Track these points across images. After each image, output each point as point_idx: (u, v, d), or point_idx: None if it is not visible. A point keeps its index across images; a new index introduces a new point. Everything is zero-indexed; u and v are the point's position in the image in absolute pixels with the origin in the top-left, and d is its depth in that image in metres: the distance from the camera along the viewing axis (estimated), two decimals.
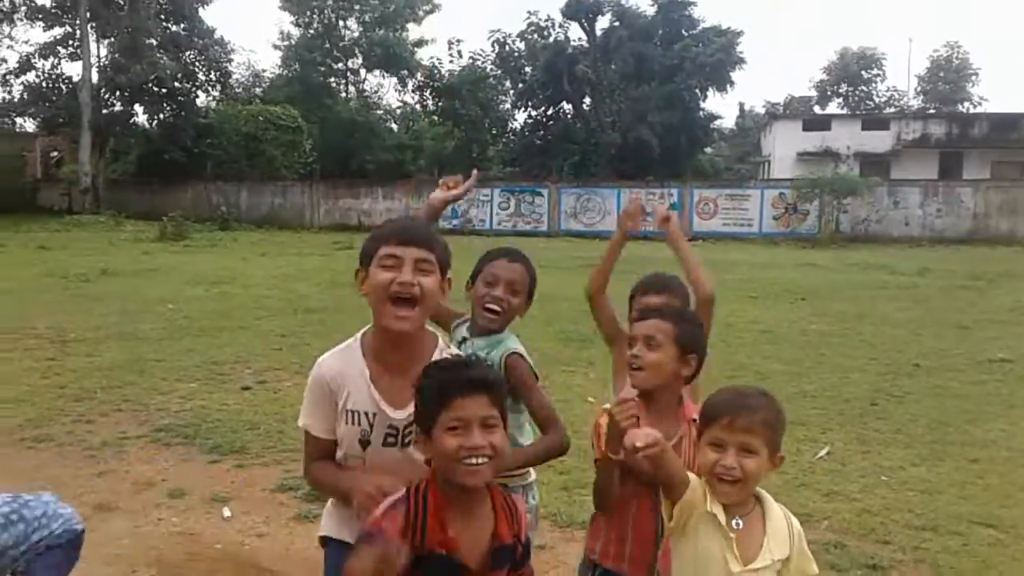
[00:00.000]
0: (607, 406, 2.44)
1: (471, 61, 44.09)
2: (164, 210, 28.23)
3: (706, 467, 2.01)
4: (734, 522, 2.00)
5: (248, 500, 4.86)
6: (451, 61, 43.54)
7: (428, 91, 45.14)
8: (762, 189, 31.37)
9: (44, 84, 38.12)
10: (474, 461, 1.82)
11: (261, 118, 35.81)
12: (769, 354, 9.16)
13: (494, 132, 46.49)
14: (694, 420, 2.29)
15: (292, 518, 4.59)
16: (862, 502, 4.87)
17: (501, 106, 46.03)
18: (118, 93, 37.34)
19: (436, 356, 2.20)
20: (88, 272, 15.56)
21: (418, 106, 47.95)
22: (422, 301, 2.13)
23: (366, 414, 2.16)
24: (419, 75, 45.83)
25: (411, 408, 2.07)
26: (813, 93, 56.69)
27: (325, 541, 2.38)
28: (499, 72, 44.52)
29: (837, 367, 8.55)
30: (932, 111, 48.18)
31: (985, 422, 6.55)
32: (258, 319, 10.96)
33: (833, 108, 53.94)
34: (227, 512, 4.66)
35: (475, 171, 2.76)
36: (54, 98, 37.79)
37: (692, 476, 2.08)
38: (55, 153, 41.87)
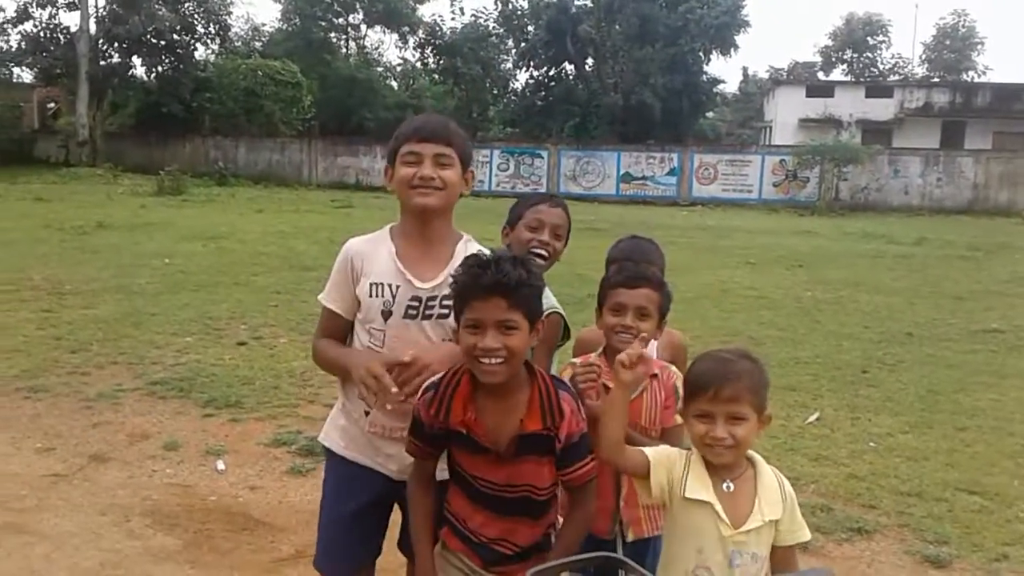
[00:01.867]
0: (574, 361, 2.48)
1: (473, 19, 43.75)
2: (162, 164, 28.07)
3: (696, 438, 2.01)
4: (724, 485, 1.99)
5: (242, 454, 4.90)
6: (453, 18, 43.43)
7: (429, 48, 44.77)
8: (763, 155, 31.21)
9: (41, 34, 37.61)
10: (488, 361, 1.93)
11: (260, 73, 35.47)
12: (764, 320, 9.19)
13: (495, 92, 46.18)
14: (654, 375, 2.34)
15: (285, 472, 4.64)
16: (849, 467, 4.92)
17: (503, 65, 45.68)
18: (116, 44, 36.87)
19: (461, 248, 2.33)
20: (85, 225, 15.52)
21: (419, 64, 47.55)
22: (444, 189, 2.26)
23: (390, 286, 2.26)
24: (420, 32, 45.37)
25: (436, 281, 2.25)
26: (818, 59, 56.38)
27: (324, 449, 2.49)
28: (501, 31, 44.11)
29: (831, 334, 8.59)
30: (936, 80, 47.92)
31: (975, 391, 6.60)
32: (255, 275, 10.97)
33: (837, 75, 53.60)
34: (221, 465, 4.70)
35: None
36: (51, 48, 37.31)
37: (651, 454, 2.07)
38: (52, 104, 41.45)
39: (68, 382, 6.09)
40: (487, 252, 2.26)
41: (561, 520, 2.17)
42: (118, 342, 7.22)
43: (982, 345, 8.26)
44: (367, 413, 2.32)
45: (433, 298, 2.26)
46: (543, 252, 2.65)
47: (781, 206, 29.06)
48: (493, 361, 1.92)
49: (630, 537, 2.41)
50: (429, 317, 2.26)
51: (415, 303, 2.26)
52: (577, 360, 2.48)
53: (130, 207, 20.18)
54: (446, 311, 2.22)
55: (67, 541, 3.74)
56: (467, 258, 2.09)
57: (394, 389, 2.09)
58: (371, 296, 2.27)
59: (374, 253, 2.32)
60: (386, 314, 2.26)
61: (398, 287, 2.26)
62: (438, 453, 2.14)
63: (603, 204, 28.09)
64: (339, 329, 2.37)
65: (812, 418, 5.80)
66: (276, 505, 4.26)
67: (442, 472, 2.20)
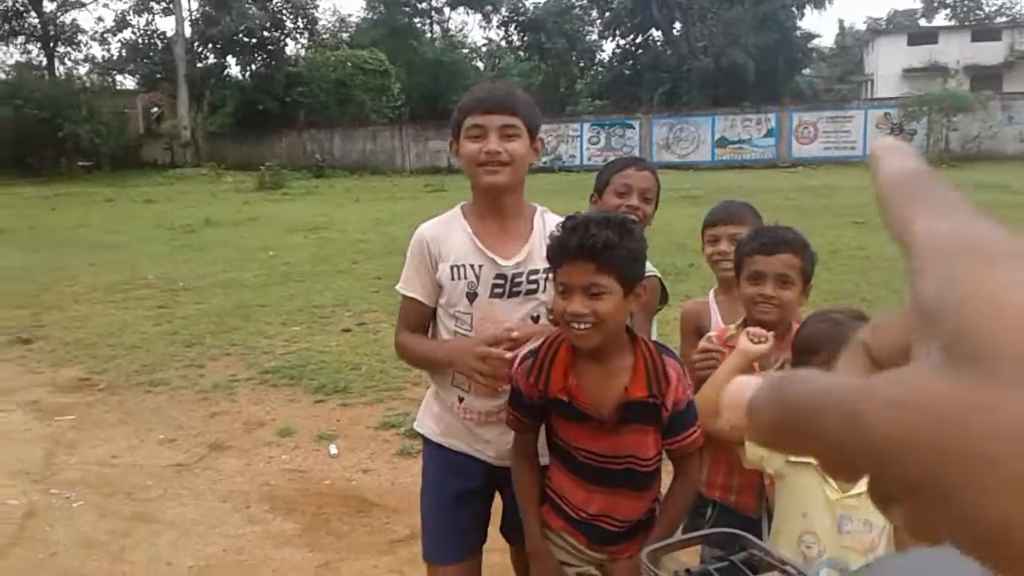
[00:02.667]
0: (711, 335, 2.38)
1: None
2: (261, 160, 28.88)
3: None
4: None
5: (353, 437, 4.97)
6: None
7: (513, 26, 44.66)
8: (865, 110, 29.97)
9: (140, 40, 39.20)
10: (576, 326, 1.86)
11: (349, 63, 36.06)
12: (875, 281, 8.81)
13: (581, 65, 45.78)
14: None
15: (395, 454, 4.68)
16: None
17: (588, 37, 45.21)
18: (210, 46, 38.11)
19: (538, 221, 2.27)
20: (192, 223, 16.07)
21: (503, 42, 47.51)
22: (512, 164, 2.17)
23: (472, 266, 2.19)
24: (503, 10, 45.26)
25: (519, 257, 2.19)
26: (918, 5, 53.79)
27: (422, 436, 2.45)
28: (585, 2, 43.58)
29: None
30: None
31: None
32: (355, 263, 11.14)
33: (940, 20, 51.05)
34: (334, 449, 4.77)
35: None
36: (150, 54, 38.85)
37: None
38: (155, 109, 43.11)
39: (185, 375, 6.30)
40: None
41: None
42: (230, 334, 7.44)
43: None
44: (461, 400, 2.26)
45: (519, 274, 2.19)
46: (633, 217, 2.51)
47: None
48: (581, 326, 1.85)
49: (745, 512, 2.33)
50: (517, 294, 2.19)
51: (500, 281, 2.18)
52: (713, 334, 2.39)
53: (234, 203, 20.81)
54: (534, 286, 2.18)
55: (191, 528, 3.86)
56: (564, 219, 2.01)
57: (508, 355, 2.04)
58: (453, 279, 2.20)
59: (449, 235, 2.24)
60: (471, 296, 2.19)
61: (481, 266, 2.18)
62: (539, 425, 2.08)
63: (699, 171, 27.50)
64: (422, 317, 2.30)
65: None
66: (389, 487, 4.29)
67: (543, 458, 2.16)
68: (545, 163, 30.88)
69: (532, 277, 2.18)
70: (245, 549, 3.66)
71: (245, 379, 6.16)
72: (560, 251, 1.88)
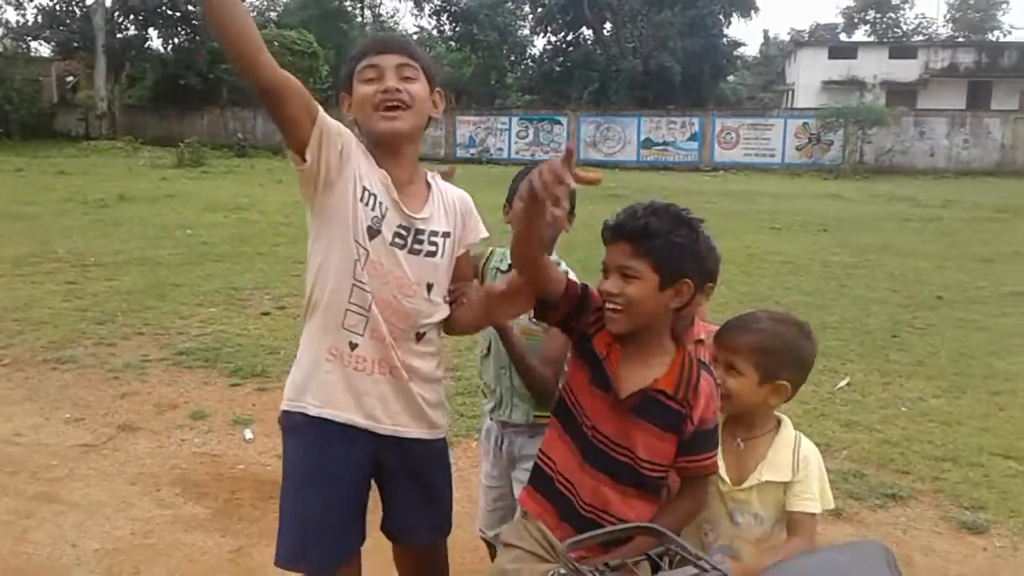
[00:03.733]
0: None
1: None
2: (181, 136, 28.16)
3: None
4: (737, 441, 2.02)
5: (269, 423, 4.88)
6: None
7: (445, 16, 44.38)
8: (785, 119, 30.82)
9: (58, 7, 37.65)
10: (609, 306, 1.85)
11: (276, 43, 35.23)
12: (791, 285, 9.09)
13: (512, 59, 45.80)
14: (700, 340, 2.25)
15: None
16: (882, 433, 4.85)
17: (520, 32, 45.26)
18: (132, 17, 36.90)
19: (434, 184, 2.14)
20: (107, 198, 15.56)
21: (435, 31, 47.20)
22: (412, 107, 1.99)
23: (380, 203, 1.99)
24: None
25: (424, 214, 2.05)
26: (840, 20, 55.50)
27: (292, 419, 2.13)
28: None
29: (859, 299, 8.47)
30: (961, 39, 47.02)
31: (1008, 355, 6.49)
32: (276, 245, 10.96)
33: (860, 36, 52.75)
34: (248, 434, 4.70)
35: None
36: (68, 22, 37.38)
37: None
38: (71, 78, 41.53)
39: (95, 353, 6.11)
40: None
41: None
42: (143, 313, 7.24)
43: (1013, 308, 8.12)
44: (353, 346, 2.03)
45: (422, 231, 2.04)
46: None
47: (804, 170, 28.72)
48: (612, 307, 1.84)
49: None
50: (416, 252, 2.04)
51: (403, 231, 2.02)
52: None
53: (151, 179, 20.23)
54: (433, 248, 2.06)
55: (98, 510, 3.76)
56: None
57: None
58: (362, 201, 1.97)
59: (367, 159, 2.02)
60: (373, 232, 1.99)
61: (387, 208, 2.00)
62: (570, 321, 1.95)
63: (624, 171, 27.84)
64: (304, 100, 1.88)
65: (842, 383, 5.73)
66: None
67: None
68: (473, 155, 30.88)
69: (432, 238, 2.07)
70: (154, 532, 3.58)
71: (158, 360, 6.00)
72: (607, 230, 1.87)
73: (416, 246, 2.04)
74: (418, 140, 2.10)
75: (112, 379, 5.57)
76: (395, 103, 1.97)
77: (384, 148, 2.03)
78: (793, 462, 1.99)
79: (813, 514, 1.97)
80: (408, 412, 2.11)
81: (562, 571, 1.48)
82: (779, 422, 2.07)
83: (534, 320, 2.37)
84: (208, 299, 7.83)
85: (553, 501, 1.96)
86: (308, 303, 2.11)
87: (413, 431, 2.13)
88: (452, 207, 2.16)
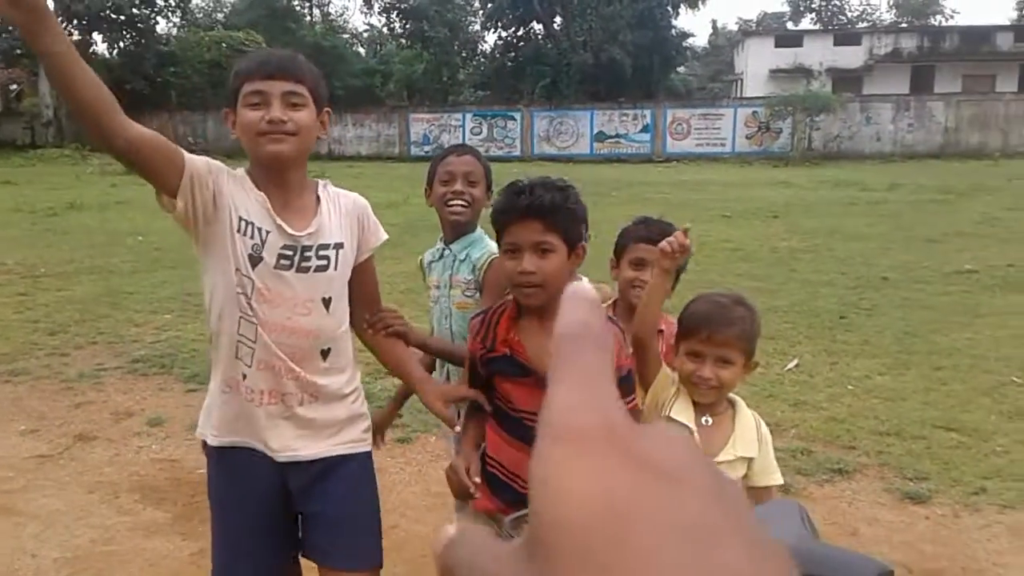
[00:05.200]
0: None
1: None
2: None
3: (683, 375, 2.08)
4: (703, 419, 2.08)
5: None
6: None
7: (395, 13, 44.11)
8: (735, 108, 31.18)
9: None
10: (526, 285, 1.94)
11: (224, 45, 34.96)
12: (741, 271, 9.26)
13: (464, 55, 45.68)
14: (660, 331, 2.32)
15: None
16: (828, 411, 5.01)
17: (470, 28, 45.15)
18: (76, 22, 36.22)
19: (323, 194, 2.11)
20: (55, 206, 15.33)
21: (385, 29, 46.92)
22: (298, 135, 1.98)
23: (259, 229, 1.98)
24: None
25: (310, 229, 2.02)
26: (786, 9, 56.25)
27: (203, 444, 2.18)
28: None
29: (807, 282, 8.67)
30: (904, 25, 47.90)
31: (950, 331, 6.70)
32: None
33: (806, 24, 53.53)
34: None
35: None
36: (10, 28, 36.58)
37: (665, 367, 2.17)
38: (14, 86, 40.64)
39: (48, 364, 6.06)
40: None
41: None
42: (96, 322, 7.18)
43: (956, 286, 8.37)
44: (244, 376, 2.04)
45: (309, 247, 2.02)
46: (459, 202, 2.56)
47: (755, 158, 29.11)
48: (530, 285, 1.94)
49: None
50: (305, 270, 2.02)
51: (289, 252, 2.00)
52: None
53: (100, 186, 19.94)
54: (324, 262, 2.05)
55: (57, 520, 3.75)
56: (508, 185, 2.03)
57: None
58: (240, 233, 1.97)
59: (241, 189, 2.02)
60: (255, 259, 1.97)
61: (268, 232, 1.99)
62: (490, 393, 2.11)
63: (578, 164, 28.01)
64: (170, 155, 1.93)
65: (791, 365, 5.88)
66: None
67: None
68: (427, 152, 30.81)
69: (322, 252, 2.04)
70: (114, 539, 3.59)
71: (113, 368, 5.97)
72: (508, 211, 1.94)
73: (304, 263, 2.02)
74: (304, 164, 2.09)
75: (67, 389, 5.53)
76: (280, 135, 1.96)
77: (270, 170, 2.03)
78: (758, 438, 2.10)
79: (770, 487, 2.10)
80: (307, 436, 2.09)
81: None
82: (730, 399, 2.16)
83: (468, 293, 2.48)
84: (162, 306, 7.78)
85: (508, 498, 2.03)
86: (209, 333, 2.13)
87: (314, 451, 2.10)
88: (345, 215, 2.13)
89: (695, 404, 2.10)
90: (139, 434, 4.79)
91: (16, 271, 9.41)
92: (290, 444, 2.06)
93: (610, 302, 2.52)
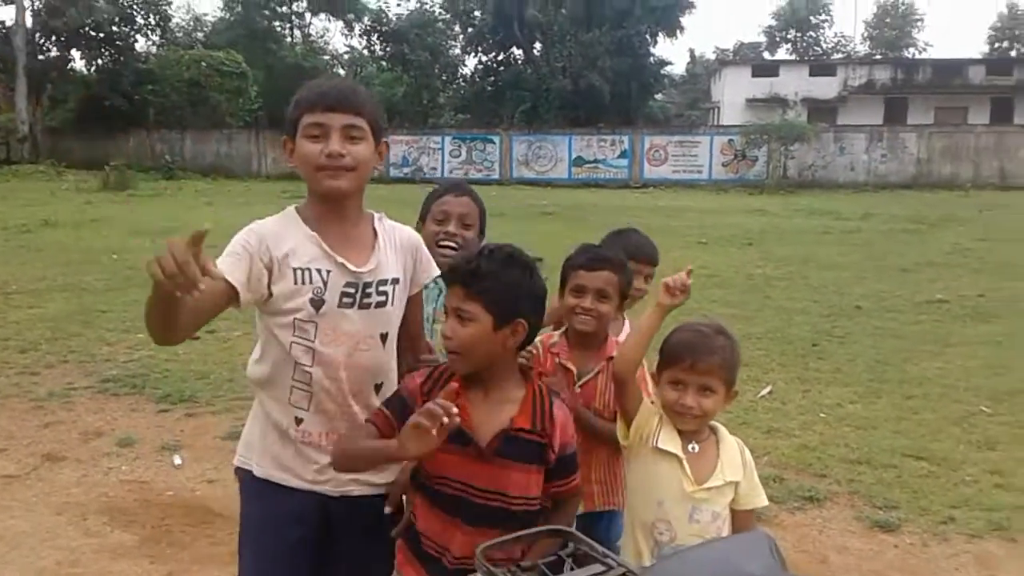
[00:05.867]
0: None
1: (419, 4, 43.37)
2: (106, 159, 27.50)
3: (666, 403, 2.10)
4: (690, 446, 2.09)
5: (199, 448, 4.86)
6: (398, 4, 43.21)
7: (375, 35, 44.34)
8: (711, 136, 31.49)
9: None
10: (446, 347, 1.90)
11: (204, 64, 34.85)
12: (716, 298, 9.32)
13: (444, 78, 45.92)
14: (611, 358, 2.33)
15: None
16: (801, 438, 5.04)
17: (451, 51, 45.41)
18: (54, 38, 36.04)
19: (379, 228, 2.11)
20: (29, 223, 15.18)
21: (365, 51, 47.09)
22: (355, 169, 1.98)
23: (319, 271, 1.97)
24: (366, 19, 44.88)
25: (370, 265, 2.02)
26: (762, 39, 56.95)
27: (243, 475, 2.18)
28: (448, 16, 43.84)
29: (781, 310, 8.74)
30: (878, 57, 48.68)
31: (921, 360, 6.78)
32: None
33: (782, 54, 54.25)
34: (178, 460, 4.67)
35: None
36: None
37: (645, 398, 2.17)
38: None
39: (18, 383, 5.98)
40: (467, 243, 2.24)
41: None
42: (68, 341, 7.11)
43: (927, 315, 8.47)
44: (299, 421, 2.03)
45: (370, 284, 2.01)
46: (451, 244, 2.51)
47: (731, 185, 29.36)
48: (449, 349, 1.89)
49: (580, 509, 2.45)
50: (367, 306, 2.01)
51: (351, 289, 2.00)
52: (538, 339, 2.46)
53: (75, 203, 19.76)
54: (383, 298, 2.04)
55: (23, 541, 3.70)
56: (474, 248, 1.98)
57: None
58: (296, 283, 1.96)
59: (290, 235, 2.00)
60: (317, 303, 1.96)
61: (329, 272, 1.97)
62: (393, 432, 1.97)
63: (556, 188, 28.15)
64: (220, 298, 1.89)
65: (764, 392, 5.92)
66: (235, 497, 4.21)
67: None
68: (406, 174, 30.87)
69: (382, 288, 2.04)
70: (80, 562, 3.54)
71: (84, 387, 5.91)
72: (446, 273, 1.94)
73: (365, 300, 2.02)
74: (361, 196, 2.09)
75: (36, 408, 5.47)
76: (339, 168, 1.96)
77: (328, 203, 2.03)
78: (743, 462, 2.13)
79: (752, 510, 2.13)
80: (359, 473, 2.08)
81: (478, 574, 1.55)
82: (712, 426, 2.18)
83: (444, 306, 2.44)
84: (135, 325, 7.70)
85: (429, 567, 1.98)
86: (257, 374, 2.11)
87: (365, 489, 2.11)
88: (400, 250, 2.13)
89: (680, 432, 2.11)
90: (108, 455, 4.74)
91: None
92: (344, 481, 2.06)
93: (563, 330, 2.51)
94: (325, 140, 1.94)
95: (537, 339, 2.48)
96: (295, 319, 1.98)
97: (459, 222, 2.57)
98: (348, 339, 2.01)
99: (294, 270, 1.96)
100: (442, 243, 2.52)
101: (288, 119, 2.03)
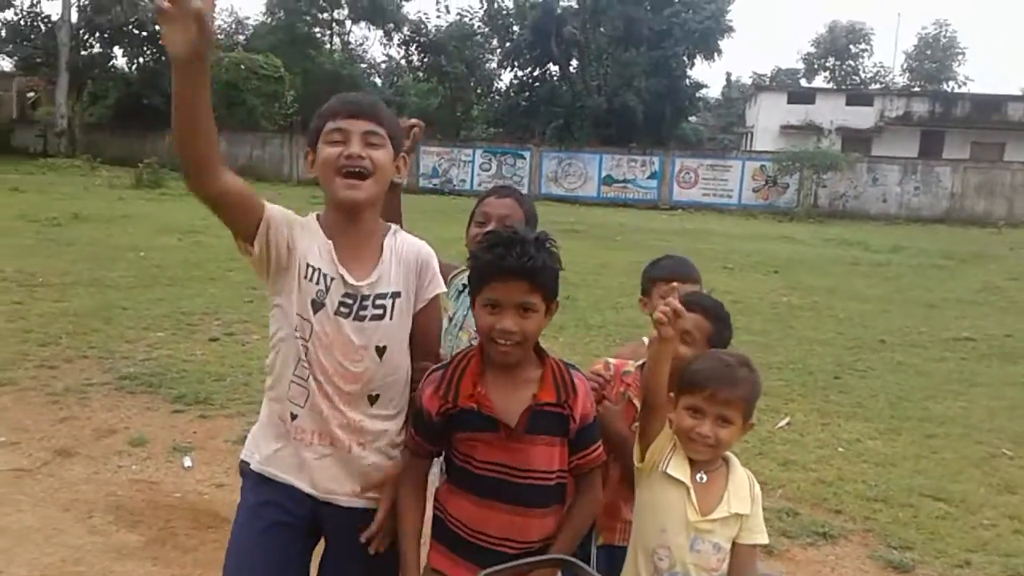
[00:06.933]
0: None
1: (458, 17, 43.79)
2: (141, 156, 27.79)
3: (681, 430, 2.07)
4: (698, 476, 2.06)
5: (210, 451, 4.86)
6: (438, 16, 43.47)
7: (414, 46, 44.72)
8: (743, 160, 31.36)
9: (22, 22, 37.31)
10: (503, 342, 1.92)
11: (242, 66, 35.22)
12: (739, 325, 9.11)
13: (479, 91, 46.19)
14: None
15: None
16: (817, 472, 4.95)
17: (487, 65, 45.71)
18: (97, 35, 36.72)
19: (389, 242, 2.12)
20: (60, 216, 15.36)
21: (403, 61, 47.48)
22: (373, 174, 2.02)
23: (325, 276, 2.03)
24: (405, 29, 45.27)
25: (370, 279, 2.05)
26: (800, 66, 56.84)
27: (244, 467, 2.17)
28: (486, 30, 44.14)
29: (804, 340, 8.64)
30: (916, 89, 48.34)
31: (944, 399, 6.66)
32: (230, 271, 10.88)
33: (819, 82, 54.04)
34: (188, 462, 4.66)
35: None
36: (32, 37, 37.05)
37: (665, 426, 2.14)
38: (32, 94, 41.09)
39: (36, 376, 6.02)
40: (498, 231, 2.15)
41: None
42: (88, 336, 7.15)
43: (952, 353, 8.33)
44: (294, 416, 2.06)
45: (367, 297, 2.05)
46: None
47: (760, 211, 29.21)
48: (507, 343, 1.92)
49: (600, 541, 2.41)
50: (361, 318, 2.05)
51: (349, 300, 2.04)
52: (613, 362, 2.48)
53: (107, 199, 20.01)
54: (380, 311, 2.07)
55: (28, 537, 3.70)
56: (487, 235, 2.03)
57: None
58: (305, 278, 2.03)
59: (310, 236, 2.07)
60: (317, 305, 2.02)
61: (332, 280, 2.03)
62: (437, 451, 2.06)
63: (584, 206, 28.15)
64: (253, 207, 1.97)
65: (782, 423, 5.83)
66: None
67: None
68: (435, 185, 30.99)
69: (379, 302, 2.07)
70: (84, 560, 3.54)
71: (100, 384, 5.93)
72: (494, 269, 1.91)
73: (361, 312, 2.05)
74: (378, 205, 2.12)
75: (52, 403, 5.49)
76: (358, 170, 2.00)
77: (344, 211, 2.07)
78: (751, 496, 2.08)
79: (755, 546, 2.09)
80: (352, 480, 2.09)
81: None
82: (724, 456, 2.14)
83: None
84: (156, 323, 7.76)
85: (465, 553, 2.01)
86: (267, 366, 2.15)
87: (354, 500, 2.10)
88: (405, 264, 2.13)
89: (690, 461, 2.08)
90: (120, 453, 4.75)
91: (14, 279, 9.41)
92: (333, 486, 2.07)
93: (639, 363, 2.43)
94: (345, 144, 2.01)
95: (612, 360, 2.47)
96: (298, 314, 2.04)
97: (500, 223, 2.56)
98: (341, 347, 2.04)
99: (308, 265, 2.04)
100: None
101: (311, 130, 2.10)
